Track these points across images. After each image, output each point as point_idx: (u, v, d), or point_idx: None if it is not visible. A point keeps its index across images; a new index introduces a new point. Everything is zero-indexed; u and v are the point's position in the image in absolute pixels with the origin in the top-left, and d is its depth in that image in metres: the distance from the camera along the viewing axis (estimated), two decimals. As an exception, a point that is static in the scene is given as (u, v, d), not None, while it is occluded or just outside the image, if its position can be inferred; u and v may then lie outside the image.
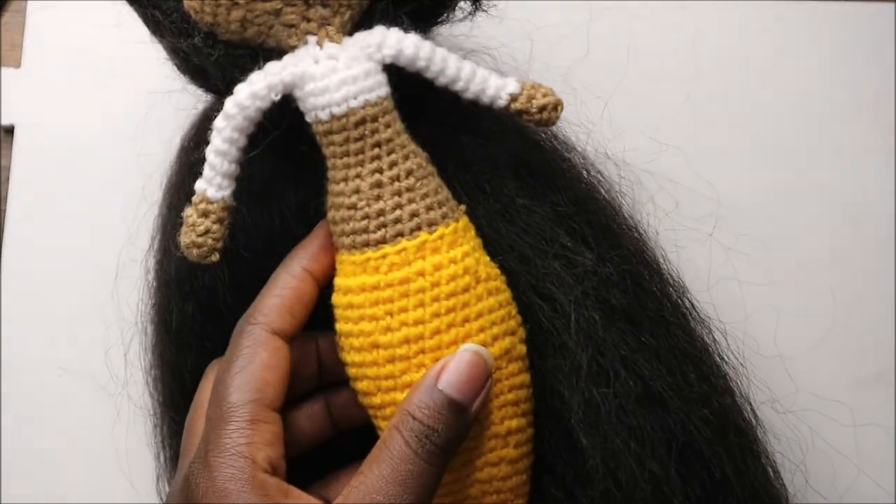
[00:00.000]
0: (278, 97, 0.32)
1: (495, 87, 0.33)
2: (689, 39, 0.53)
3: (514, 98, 0.33)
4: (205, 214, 0.33)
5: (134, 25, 0.51)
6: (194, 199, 0.33)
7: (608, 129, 0.51)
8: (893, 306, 0.50)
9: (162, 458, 0.43)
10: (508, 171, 0.37)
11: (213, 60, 0.33)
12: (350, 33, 0.33)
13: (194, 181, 0.34)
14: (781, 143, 0.52)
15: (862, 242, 0.51)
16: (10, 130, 0.50)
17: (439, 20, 0.36)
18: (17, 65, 0.51)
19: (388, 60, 0.33)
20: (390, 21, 0.33)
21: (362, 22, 0.34)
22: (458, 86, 0.33)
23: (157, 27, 0.35)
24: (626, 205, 0.42)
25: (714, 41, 0.53)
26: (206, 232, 0.32)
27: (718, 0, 0.53)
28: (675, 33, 0.53)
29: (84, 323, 0.48)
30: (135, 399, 0.47)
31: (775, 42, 0.53)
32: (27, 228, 0.49)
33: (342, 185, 0.33)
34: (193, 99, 0.42)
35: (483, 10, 0.36)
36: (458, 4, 0.36)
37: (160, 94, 0.51)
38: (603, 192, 0.41)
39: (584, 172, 0.41)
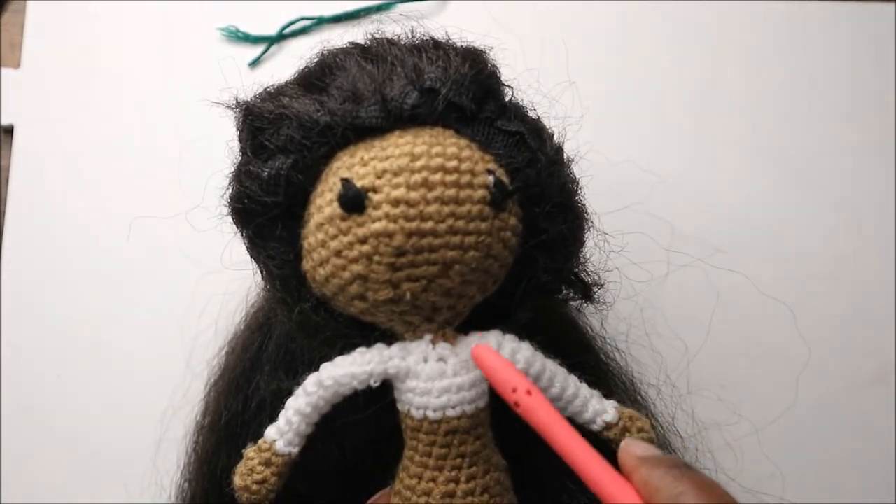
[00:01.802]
0: (377, 384, 0.32)
1: (593, 411, 0.33)
2: (688, 39, 0.53)
3: (608, 426, 0.33)
4: (266, 464, 0.32)
5: (132, 26, 0.52)
6: (261, 443, 0.33)
7: (607, 129, 0.51)
8: (893, 307, 0.50)
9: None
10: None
11: (320, 329, 0.33)
12: (464, 328, 0.33)
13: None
14: (781, 143, 0.52)
15: (862, 243, 0.51)
16: (9, 130, 0.50)
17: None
18: (17, 65, 0.51)
19: None
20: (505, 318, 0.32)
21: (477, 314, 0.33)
22: (558, 404, 0.32)
23: (268, 276, 0.33)
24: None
25: (714, 41, 0.53)
26: (263, 482, 0.32)
27: (717, 1, 0.53)
28: (675, 33, 0.53)
29: (83, 322, 0.48)
30: (136, 398, 0.47)
31: (776, 42, 0.53)
32: (27, 228, 0.49)
33: (414, 481, 0.32)
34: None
35: (592, 301, 0.36)
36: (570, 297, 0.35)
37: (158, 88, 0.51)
38: None
39: None
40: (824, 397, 0.48)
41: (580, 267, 0.34)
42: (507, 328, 0.33)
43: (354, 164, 0.30)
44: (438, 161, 0.30)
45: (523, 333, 0.33)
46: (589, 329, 0.40)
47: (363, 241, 0.30)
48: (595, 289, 0.35)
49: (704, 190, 0.51)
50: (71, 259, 0.49)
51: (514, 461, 0.34)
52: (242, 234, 0.33)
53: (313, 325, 0.33)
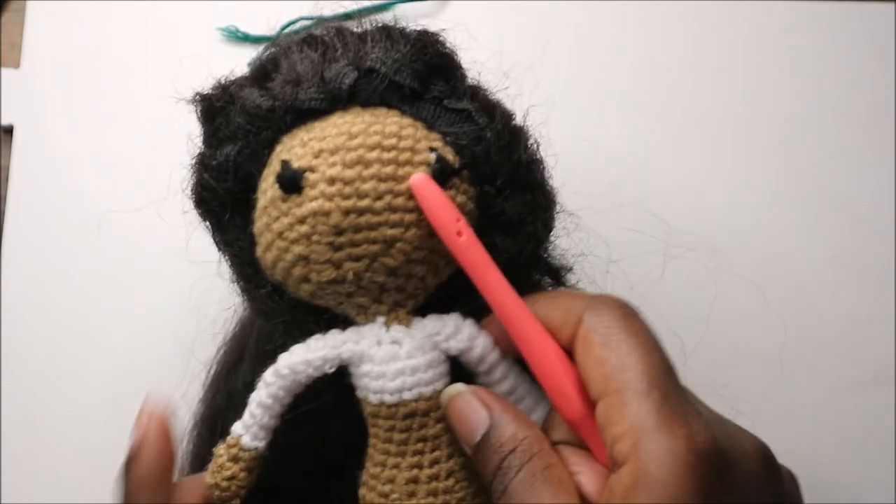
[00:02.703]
0: (332, 370, 0.31)
1: (543, 411, 0.32)
2: (688, 40, 0.53)
3: None
4: (234, 460, 0.32)
5: (132, 26, 0.52)
6: (229, 440, 0.33)
7: (608, 128, 0.51)
8: (893, 306, 0.50)
9: None
10: None
11: (277, 315, 0.33)
12: (422, 311, 0.32)
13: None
14: (781, 143, 0.52)
15: (862, 242, 0.51)
16: (9, 130, 0.50)
17: None
18: (17, 65, 0.51)
19: (453, 353, 0.31)
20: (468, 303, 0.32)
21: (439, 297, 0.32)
22: (510, 398, 0.32)
23: (229, 264, 0.34)
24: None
25: (713, 41, 0.53)
26: (232, 478, 0.32)
27: (718, 0, 0.53)
28: (674, 33, 0.53)
29: (83, 321, 0.48)
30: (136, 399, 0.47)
31: (775, 42, 0.53)
32: (26, 228, 0.49)
33: (378, 469, 0.32)
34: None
35: (563, 285, 0.35)
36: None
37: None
38: None
39: None
40: (823, 397, 0.48)
41: (546, 250, 0.34)
42: (470, 313, 0.32)
43: (294, 146, 0.31)
44: (376, 139, 0.30)
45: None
46: None
47: (302, 221, 0.30)
48: (563, 273, 0.35)
49: (703, 188, 0.51)
50: (71, 259, 0.49)
51: None
52: (204, 224, 0.34)
53: (270, 311, 0.33)
